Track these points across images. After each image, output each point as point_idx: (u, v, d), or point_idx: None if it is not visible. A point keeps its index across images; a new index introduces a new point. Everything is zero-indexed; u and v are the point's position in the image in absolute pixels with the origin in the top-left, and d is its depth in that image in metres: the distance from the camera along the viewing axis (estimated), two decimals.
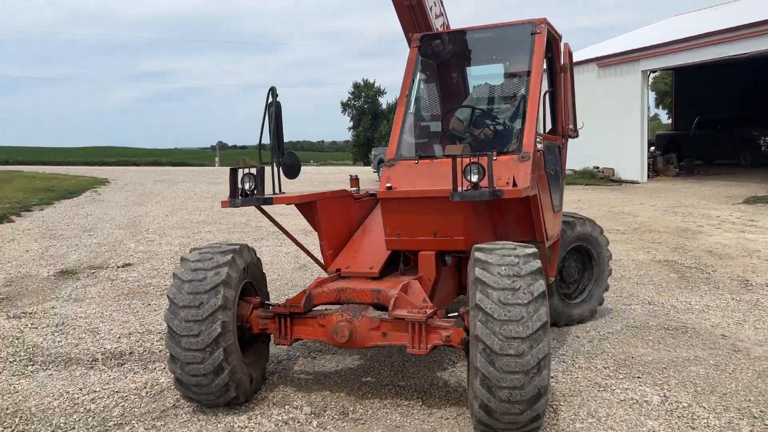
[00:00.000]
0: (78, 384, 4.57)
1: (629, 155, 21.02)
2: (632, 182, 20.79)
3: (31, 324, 6.04)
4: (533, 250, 3.59)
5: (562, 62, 5.12)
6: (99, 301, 6.86)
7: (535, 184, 4.29)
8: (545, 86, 4.90)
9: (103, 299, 6.96)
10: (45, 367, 4.90)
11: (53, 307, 6.64)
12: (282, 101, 4.41)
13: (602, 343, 5.30)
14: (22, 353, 5.23)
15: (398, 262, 4.66)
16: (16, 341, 5.54)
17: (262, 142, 4.42)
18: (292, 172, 4.45)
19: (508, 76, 5.16)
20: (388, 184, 4.44)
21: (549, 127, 5.34)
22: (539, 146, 4.52)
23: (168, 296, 3.89)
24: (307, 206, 4.73)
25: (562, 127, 5.21)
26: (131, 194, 19.96)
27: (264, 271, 4.66)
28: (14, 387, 4.53)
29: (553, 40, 5.10)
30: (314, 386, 4.49)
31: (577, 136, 5.60)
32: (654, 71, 24.40)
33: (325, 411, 4.06)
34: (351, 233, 5.07)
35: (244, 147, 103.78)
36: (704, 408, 3.98)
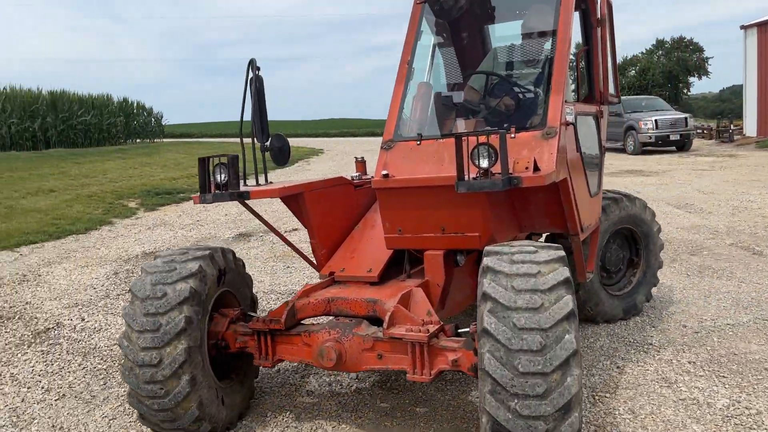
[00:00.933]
0: None
1: None
2: None
3: None
4: (558, 252, 2.88)
5: (599, 14, 4.29)
6: (251, 262, 7.82)
7: (565, 166, 3.55)
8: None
9: (255, 260, 7.93)
10: None
11: None
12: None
13: (709, 336, 4.74)
14: None
15: (404, 263, 3.91)
16: None
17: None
18: (282, 157, 3.89)
19: (531, 33, 4.37)
20: (384, 171, 3.68)
21: (584, 93, 4.61)
22: (569, 118, 3.74)
23: (123, 317, 3.30)
24: (293, 199, 4.02)
25: (600, 93, 4.39)
26: (337, 164, 21.69)
27: (252, 273, 4.20)
28: None
29: None
30: (307, 408, 3.89)
31: (618, 102, 4.87)
32: None
33: None
34: (350, 229, 4.35)
35: None
36: None
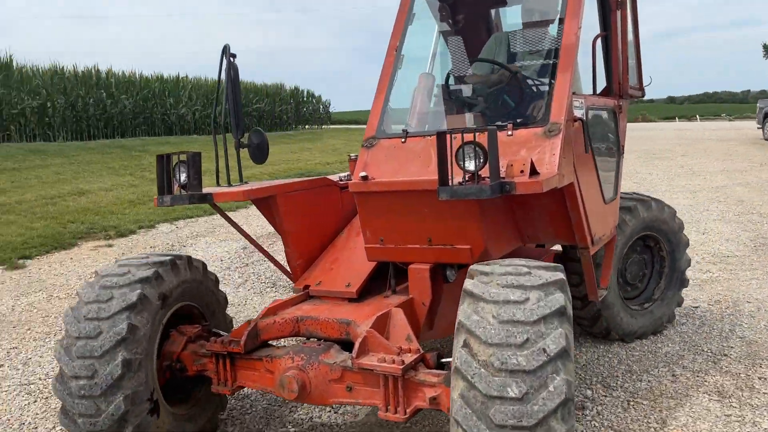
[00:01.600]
0: None
1: None
2: None
3: None
4: (555, 275, 2.47)
5: None
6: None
7: (571, 168, 3.15)
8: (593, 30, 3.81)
9: None
10: None
11: None
12: None
13: None
14: None
15: (389, 278, 3.44)
16: None
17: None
18: (260, 155, 3.50)
19: (535, 16, 3.95)
20: (363, 173, 3.25)
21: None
22: (578, 113, 3.29)
23: (63, 323, 2.98)
24: (265, 203, 3.60)
25: (619, 85, 3.95)
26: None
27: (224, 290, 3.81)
28: None
29: None
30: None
31: (642, 96, 4.46)
32: None
33: None
34: (333, 236, 3.90)
35: None
36: None
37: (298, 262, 3.68)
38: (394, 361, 2.66)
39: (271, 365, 3.00)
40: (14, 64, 20.20)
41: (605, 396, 3.93)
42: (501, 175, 2.73)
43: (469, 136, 2.67)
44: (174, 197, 3.27)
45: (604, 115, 3.89)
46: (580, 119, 3.28)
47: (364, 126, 3.62)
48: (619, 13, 3.89)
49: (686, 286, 4.99)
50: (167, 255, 3.28)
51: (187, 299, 3.31)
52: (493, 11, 4.60)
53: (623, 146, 4.20)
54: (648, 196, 4.75)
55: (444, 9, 4.15)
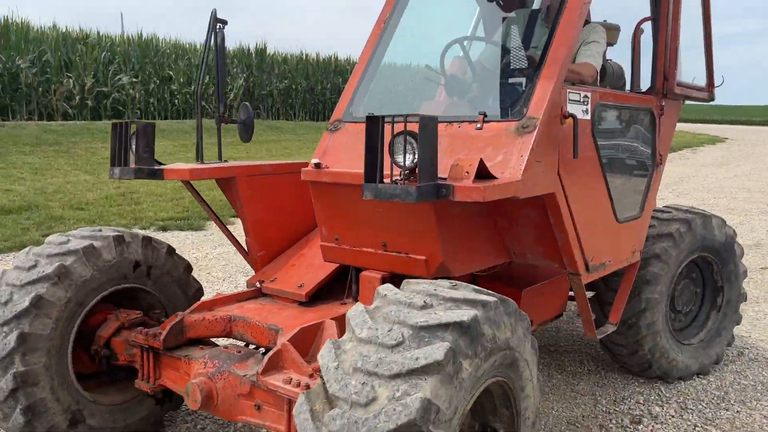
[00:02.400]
0: None
1: None
2: None
3: None
4: (467, 313, 1.93)
5: None
6: None
7: (553, 175, 2.65)
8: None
9: None
10: None
11: None
12: None
13: None
14: None
15: (348, 281, 3.06)
16: None
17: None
18: (244, 133, 3.18)
19: None
20: (316, 160, 2.89)
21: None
22: (576, 109, 2.74)
23: None
24: (226, 185, 3.27)
25: (663, 81, 3.36)
26: (729, 154, 19.51)
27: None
28: None
29: None
30: None
31: (709, 99, 3.69)
32: None
33: None
34: (306, 230, 3.49)
35: None
36: None
37: (259, 254, 3.36)
38: (300, 383, 2.28)
39: (188, 367, 2.67)
40: (267, 50, 23.01)
41: (673, 417, 3.56)
42: (443, 176, 2.28)
43: (400, 125, 2.21)
44: (123, 170, 3.01)
45: (631, 116, 3.36)
46: (572, 116, 2.67)
47: None
48: None
49: (739, 323, 4.27)
50: (119, 232, 3.05)
51: (128, 281, 3.03)
52: None
53: (662, 156, 3.55)
54: (701, 211, 4.02)
55: None
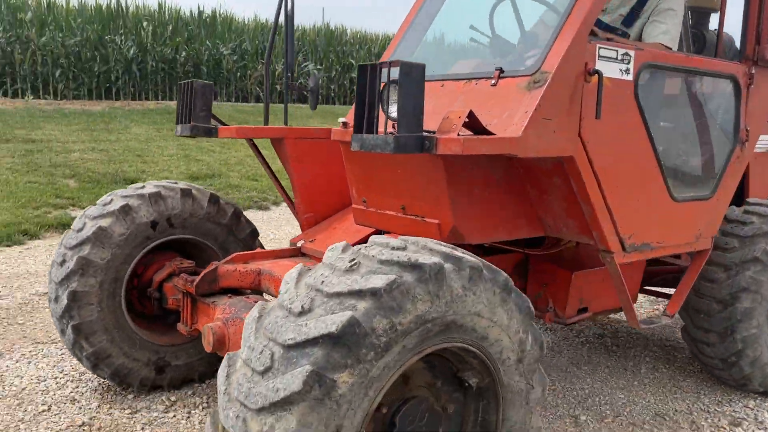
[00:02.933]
0: None
1: None
2: None
3: None
4: (333, 322, 1.69)
5: None
6: None
7: (572, 137, 2.45)
8: None
9: None
10: None
11: None
12: None
13: None
14: None
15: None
16: None
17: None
18: (313, 99, 3.25)
19: None
20: (343, 119, 2.88)
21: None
22: (606, 67, 2.50)
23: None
24: (278, 146, 3.34)
25: (755, 46, 3.03)
26: None
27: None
28: None
29: None
30: None
31: None
32: None
33: None
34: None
35: None
36: None
37: (306, 215, 3.44)
38: None
39: (214, 312, 2.78)
40: None
41: None
42: (423, 128, 2.14)
43: (387, 72, 2.12)
44: (183, 127, 3.19)
45: (704, 83, 3.12)
46: (597, 72, 2.45)
47: None
48: None
49: None
50: (159, 184, 3.23)
51: (178, 232, 3.22)
52: None
53: (747, 131, 3.18)
54: None
55: None
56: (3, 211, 7.15)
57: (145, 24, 16.17)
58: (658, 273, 3.82)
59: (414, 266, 1.83)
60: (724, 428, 3.21)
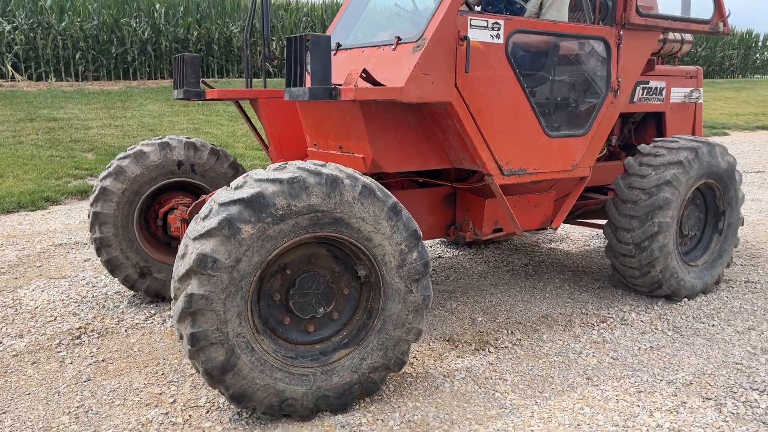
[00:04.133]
0: None
1: None
2: None
3: None
4: (246, 192, 2.60)
5: None
6: None
7: (448, 86, 3.20)
8: None
9: None
10: None
11: None
12: None
13: None
14: None
15: None
16: None
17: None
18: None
19: None
20: None
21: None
22: (490, 34, 3.30)
23: None
24: (254, 105, 4.14)
25: (623, 13, 3.80)
26: None
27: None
28: None
29: None
30: None
31: (716, 32, 4.01)
32: None
33: None
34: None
35: None
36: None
37: (277, 159, 4.23)
38: None
39: None
40: None
41: (643, 322, 3.96)
42: (329, 81, 2.96)
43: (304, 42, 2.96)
44: (177, 92, 4.08)
45: (572, 44, 3.88)
46: (465, 38, 3.20)
47: None
48: None
49: (737, 246, 4.57)
50: (168, 139, 4.05)
51: (187, 176, 4.08)
52: None
53: (618, 83, 3.93)
54: (705, 140, 4.23)
55: None
56: (28, 182, 8.07)
57: (157, 6, 16.95)
58: (583, 206, 4.62)
59: (316, 173, 2.69)
60: (593, 324, 3.92)
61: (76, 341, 3.69)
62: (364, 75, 3.06)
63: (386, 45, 3.41)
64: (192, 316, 2.53)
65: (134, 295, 4.39)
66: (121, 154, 4.00)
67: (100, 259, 4.07)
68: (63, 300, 4.35)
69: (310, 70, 2.95)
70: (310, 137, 3.87)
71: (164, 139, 4.07)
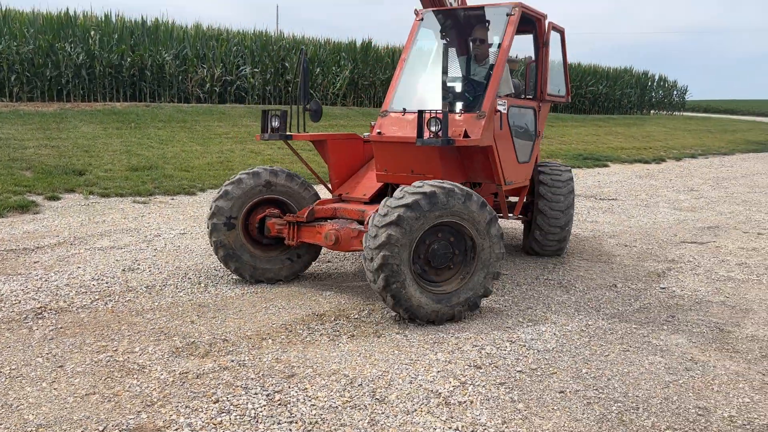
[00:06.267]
0: None
1: None
2: None
3: None
4: (408, 199, 4.67)
5: (544, 39, 6.24)
6: None
7: (491, 136, 5.47)
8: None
9: None
10: None
11: None
12: None
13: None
14: None
15: (388, 191, 5.98)
16: None
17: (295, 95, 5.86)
18: (317, 116, 5.83)
19: (485, 48, 6.28)
20: (378, 130, 5.85)
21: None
22: (501, 108, 5.67)
23: None
24: (320, 144, 6.17)
25: (540, 93, 6.47)
26: None
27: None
28: None
29: (535, 19, 6.20)
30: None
31: (564, 101, 6.98)
32: None
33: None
34: (357, 168, 6.38)
35: None
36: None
37: (336, 181, 6.24)
38: None
39: (320, 228, 5.51)
40: (372, 44, 25.27)
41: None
42: (448, 136, 5.07)
43: (434, 114, 5.06)
44: (271, 134, 5.79)
45: (523, 110, 6.34)
46: (499, 111, 5.62)
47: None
48: (543, 49, 6.36)
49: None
50: (257, 168, 5.87)
51: (273, 194, 5.88)
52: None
53: (540, 131, 6.72)
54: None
55: (442, 33, 6.59)
56: None
57: (92, 33, 17.88)
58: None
59: (441, 187, 4.75)
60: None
61: (39, 316, 4.94)
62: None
63: (450, 112, 5.47)
64: (385, 266, 4.58)
65: (90, 282, 5.62)
66: (228, 180, 5.81)
67: (215, 252, 5.87)
68: (23, 290, 5.55)
69: (434, 130, 5.06)
70: (380, 165, 5.86)
71: (255, 169, 5.87)
